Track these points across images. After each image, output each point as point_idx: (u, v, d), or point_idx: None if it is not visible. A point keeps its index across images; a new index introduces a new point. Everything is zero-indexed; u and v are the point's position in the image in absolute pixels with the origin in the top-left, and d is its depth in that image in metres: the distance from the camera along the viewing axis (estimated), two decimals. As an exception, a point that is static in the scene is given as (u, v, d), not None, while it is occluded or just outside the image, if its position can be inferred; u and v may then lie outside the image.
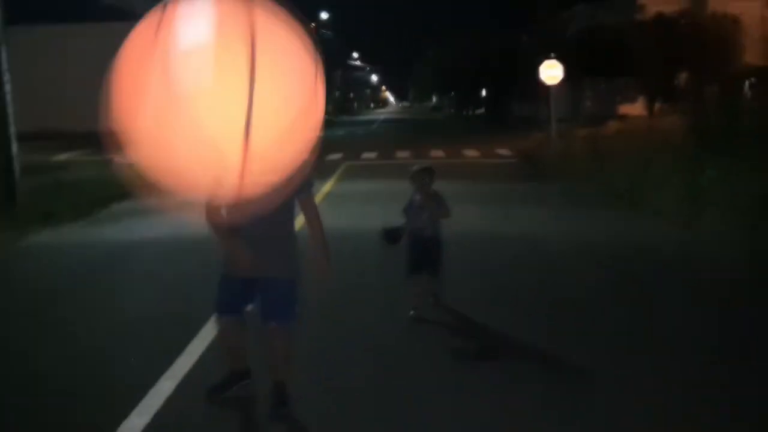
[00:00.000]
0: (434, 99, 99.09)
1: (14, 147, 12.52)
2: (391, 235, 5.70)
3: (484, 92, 57.52)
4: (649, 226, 9.84)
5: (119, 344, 5.54)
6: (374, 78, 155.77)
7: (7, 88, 12.42)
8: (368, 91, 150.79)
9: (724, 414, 3.97)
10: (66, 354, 5.32)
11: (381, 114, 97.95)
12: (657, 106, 34.41)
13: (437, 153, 23.03)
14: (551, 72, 20.29)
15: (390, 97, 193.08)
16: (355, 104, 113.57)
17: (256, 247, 3.79)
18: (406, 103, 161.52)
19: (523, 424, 3.92)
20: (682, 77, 34.34)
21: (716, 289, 6.64)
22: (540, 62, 20.92)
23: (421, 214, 5.72)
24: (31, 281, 7.86)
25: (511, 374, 4.66)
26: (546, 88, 24.53)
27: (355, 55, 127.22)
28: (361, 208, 12.05)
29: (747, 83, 30.09)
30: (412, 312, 5.76)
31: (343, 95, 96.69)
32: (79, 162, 23.72)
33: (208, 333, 5.44)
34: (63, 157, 26.54)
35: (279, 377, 4.09)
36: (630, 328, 5.57)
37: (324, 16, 69.38)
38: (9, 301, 7.02)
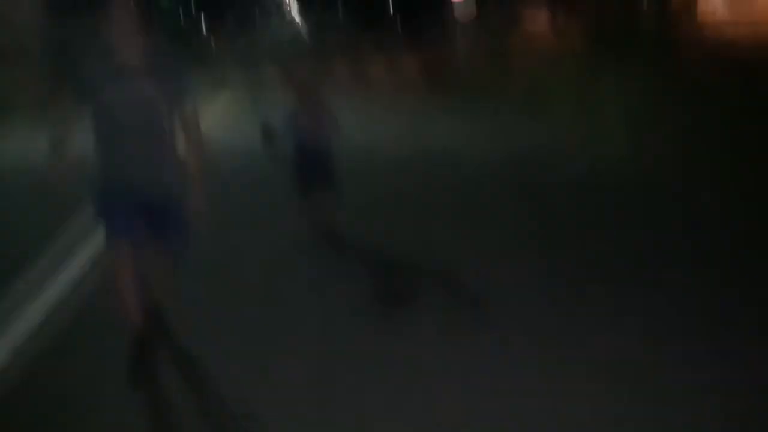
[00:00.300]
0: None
1: None
2: (267, 132, 5.24)
3: None
4: (547, 131, 9.72)
5: None
6: None
7: None
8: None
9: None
10: None
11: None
12: (559, 13, 34.54)
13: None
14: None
15: None
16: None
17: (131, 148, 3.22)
18: None
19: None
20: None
21: (612, 191, 6.62)
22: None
23: (310, 122, 5.07)
24: None
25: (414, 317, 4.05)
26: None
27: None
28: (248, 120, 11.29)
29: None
30: (310, 237, 5.19)
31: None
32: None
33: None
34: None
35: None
36: (525, 236, 5.48)
37: None
38: None
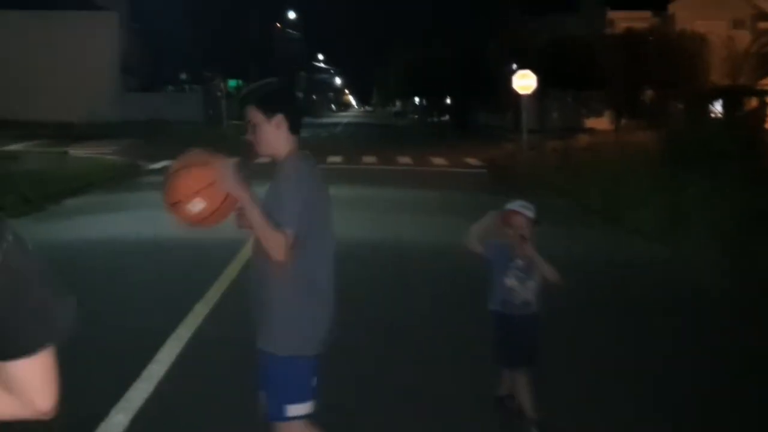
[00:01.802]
0: (397, 104, 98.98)
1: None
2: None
3: (448, 100, 57.52)
4: (630, 245, 9.54)
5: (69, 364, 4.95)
6: (338, 81, 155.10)
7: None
8: (331, 93, 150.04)
9: None
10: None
11: (343, 117, 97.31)
12: (623, 121, 34.64)
13: (404, 159, 22.61)
14: (524, 82, 20.07)
15: (352, 101, 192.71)
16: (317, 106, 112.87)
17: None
18: (368, 108, 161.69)
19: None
20: (648, 93, 34.63)
21: (702, 309, 6.41)
22: (507, 71, 20.73)
23: (526, 282, 3.79)
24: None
25: None
26: (514, 98, 24.40)
27: (320, 56, 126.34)
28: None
29: (718, 102, 30.32)
30: (502, 397, 4.11)
31: (305, 97, 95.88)
32: (33, 153, 22.75)
33: (166, 357, 4.92)
34: (16, 147, 25.45)
35: None
36: (618, 350, 5.22)
37: (291, 15, 68.61)
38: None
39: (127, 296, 6.68)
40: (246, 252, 8.25)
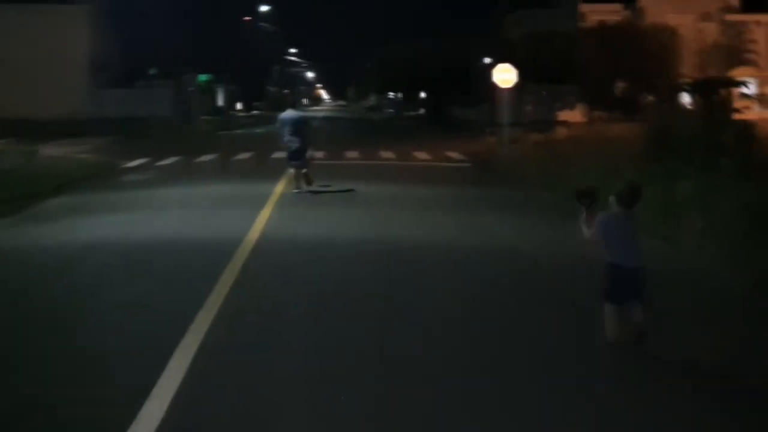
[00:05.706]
0: (372, 99, 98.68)
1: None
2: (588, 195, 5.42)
3: (423, 94, 57.49)
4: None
5: (65, 382, 4.78)
6: (309, 75, 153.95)
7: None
8: (303, 87, 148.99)
9: None
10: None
11: (318, 112, 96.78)
12: (595, 113, 34.90)
13: (387, 154, 22.47)
14: (505, 76, 20.03)
15: (324, 95, 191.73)
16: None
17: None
18: (342, 102, 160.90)
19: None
20: (620, 86, 34.91)
21: (710, 306, 6.38)
22: (482, 66, 20.67)
23: (629, 239, 5.14)
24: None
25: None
26: (491, 91, 24.44)
27: (292, 50, 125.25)
28: (317, 213, 11.36)
29: (688, 94, 30.67)
30: (609, 336, 5.19)
31: (278, 91, 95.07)
32: (5, 151, 22.21)
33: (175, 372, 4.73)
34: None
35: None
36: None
37: (264, 8, 67.98)
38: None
39: (129, 302, 6.45)
40: (241, 253, 8.07)
